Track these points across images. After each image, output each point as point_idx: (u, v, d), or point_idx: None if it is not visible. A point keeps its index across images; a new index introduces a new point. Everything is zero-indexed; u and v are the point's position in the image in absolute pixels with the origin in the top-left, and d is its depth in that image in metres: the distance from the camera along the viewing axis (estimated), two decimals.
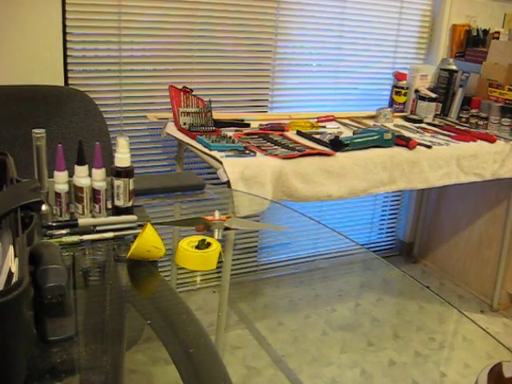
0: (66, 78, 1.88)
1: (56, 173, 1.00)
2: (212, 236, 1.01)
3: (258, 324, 2.03)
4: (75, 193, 1.01)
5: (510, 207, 2.36)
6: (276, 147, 1.79)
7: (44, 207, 1.02)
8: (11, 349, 0.53)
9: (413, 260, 2.86)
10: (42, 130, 1.02)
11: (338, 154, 1.79)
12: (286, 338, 1.97)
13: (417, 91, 2.45)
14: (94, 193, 1.02)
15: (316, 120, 2.16)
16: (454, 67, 2.46)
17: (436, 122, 2.39)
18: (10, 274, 0.57)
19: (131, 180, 1.03)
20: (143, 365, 0.83)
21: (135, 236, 0.98)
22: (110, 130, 1.83)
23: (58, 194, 1.00)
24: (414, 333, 2.06)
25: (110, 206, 1.06)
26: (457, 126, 2.34)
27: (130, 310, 0.90)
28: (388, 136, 1.92)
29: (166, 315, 0.86)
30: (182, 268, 0.98)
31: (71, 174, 1.02)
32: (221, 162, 1.61)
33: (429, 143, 2.01)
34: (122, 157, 1.02)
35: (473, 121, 2.36)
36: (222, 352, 1.71)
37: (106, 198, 1.04)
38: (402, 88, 2.45)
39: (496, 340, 0.90)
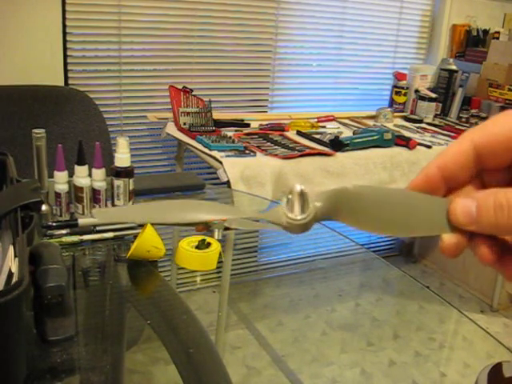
0: (66, 78, 1.88)
1: (56, 173, 1.00)
2: (212, 236, 1.00)
3: (258, 324, 2.03)
4: (75, 193, 1.01)
5: None
6: (276, 147, 1.79)
7: (44, 207, 1.01)
8: (11, 349, 0.53)
9: (413, 260, 2.86)
10: (42, 130, 1.02)
11: (338, 154, 1.79)
12: (286, 338, 1.97)
13: (417, 91, 2.45)
14: (94, 193, 1.02)
15: (316, 120, 2.16)
16: (454, 67, 2.46)
17: (436, 122, 2.39)
18: (10, 274, 0.57)
19: (131, 180, 1.03)
20: (143, 365, 0.83)
21: (135, 236, 0.98)
22: (110, 130, 1.83)
23: (58, 194, 1.00)
24: (414, 333, 2.06)
25: (110, 205, 1.06)
26: (457, 126, 2.34)
27: (130, 310, 0.90)
28: (388, 136, 1.92)
29: (166, 315, 0.86)
30: (182, 268, 0.98)
31: (71, 174, 1.02)
32: (221, 162, 1.61)
33: (429, 143, 2.01)
34: (122, 157, 1.02)
35: (473, 121, 2.36)
36: (222, 352, 1.71)
37: (105, 197, 1.04)
38: (402, 88, 2.45)
39: (496, 340, 0.90)
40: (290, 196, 0.30)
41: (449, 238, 0.29)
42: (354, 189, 0.30)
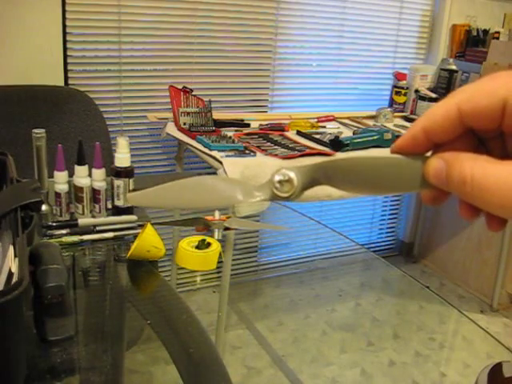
0: (66, 78, 1.88)
1: (56, 173, 1.00)
2: (212, 236, 1.01)
3: (258, 324, 2.03)
4: (75, 193, 1.01)
5: None
6: (276, 147, 1.79)
7: (44, 207, 1.02)
8: (11, 349, 0.53)
9: (413, 260, 2.86)
10: (42, 130, 1.02)
11: (338, 154, 1.79)
12: (286, 337, 1.97)
13: (417, 91, 2.45)
14: (94, 193, 1.02)
15: (316, 120, 2.16)
16: (454, 67, 2.46)
17: None
18: (10, 274, 0.57)
19: (131, 180, 1.03)
20: (143, 365, 0.83)
21: (135, 236, 0.98)
22: (110, 130, 1.83)
23: (58, 194, 1.00)
24: (414, 333, 2.06)
25: (110, 205, 1.06)
26: None
27: (129, 310, 0.90)
28: (388, 136, 1.92)
29: (166, 315, 0.86)
30: (182, 268, 0.98)
31: (71, 174, 1.02)
32: (221, 162, 1.61)
33: None
34: (122, 157, 1.02)
35: None
36: (222, 352, 1.71)
37: (106, 197, 1.04)
38: (402, 88, 2.45)
39: (496, 340, 0.90)
40: (276, 176, 0.33)
41: (427, 191, 0.31)
42: (337, 160, 0.33)
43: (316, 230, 2.41)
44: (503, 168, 0.27)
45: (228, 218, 1.05)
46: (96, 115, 1.78)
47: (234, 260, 2.06)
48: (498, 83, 0.28)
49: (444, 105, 0.30)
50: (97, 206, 1.03)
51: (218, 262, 0.99)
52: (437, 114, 0.30)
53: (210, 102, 1.91)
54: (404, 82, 2.46)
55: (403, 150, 0.31)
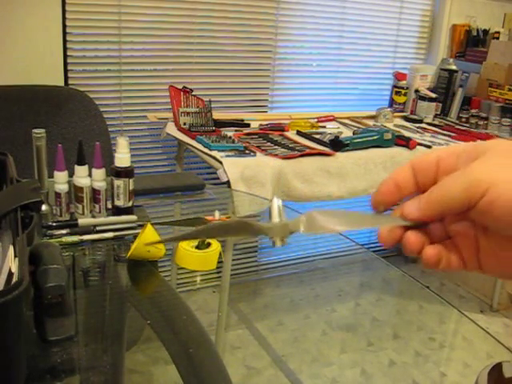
0: (66, 78, 1.88)
1: (56, 173, 1.00)
2: None
3: (258, 324, 2.03)
4: (75, 193, 1.01)
5: None
6: (276, 147, 1.79)
7: (44, 207, 1.02)
8: (11, 349, 0.53)
9: (413, 260, 2.86)
10: (42, 130, 1.02)
11: (338, 154, 1.79)
12: (286, 337, 1.97)
13: (417, 91, 2.45)
14: (94, 193, 1.02)
15: (316, 120, 2.16)
16: (454, 67, 2.46)
17: (436, 122, 2.39)
18: (10, 274, 0.57)
19: (131, 180, 1.03)
20: (143, 365, 0.83)
21: (135, 236, 0.97)
22: (110, 130, 1.83)
23: (58, 194, 1.00)
24: (414, 333, 2.06)
25: (110, 205, 1.06)
26: (457, 126, 2.34)
27: (130, 310, 0.90)
28: (388, 136, 1.92)
29: (166, 315, 0.86)
30: (182, 268, 0.98)
31: (71, 174, 1.02)
32: (221, 162, 1.61)
33: (429, 143, 2.01)
34: (122, 157, 1.02)
35: (473, 121, 2.36)
36: (222, 352, 1.71)
37: (106, 197, 1.04)
38: (402, 88, 2.45)
39: (496, 340, 0.90)
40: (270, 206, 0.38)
41: (384, 229, 0.37)
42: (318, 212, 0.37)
43: None
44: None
45: (228, 218, 1.05)
46: (96, 115, 1.78)
47: (233, 260, 2.06)
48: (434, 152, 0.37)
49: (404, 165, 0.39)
50: (97, 205, 1.03)
51: (218, 262, 0.99)
52: (397, 169, 0.40)
53: (210, 102, 1.91)
54: (404, 82, 2.46)
55: (382, 198, 0.38)
